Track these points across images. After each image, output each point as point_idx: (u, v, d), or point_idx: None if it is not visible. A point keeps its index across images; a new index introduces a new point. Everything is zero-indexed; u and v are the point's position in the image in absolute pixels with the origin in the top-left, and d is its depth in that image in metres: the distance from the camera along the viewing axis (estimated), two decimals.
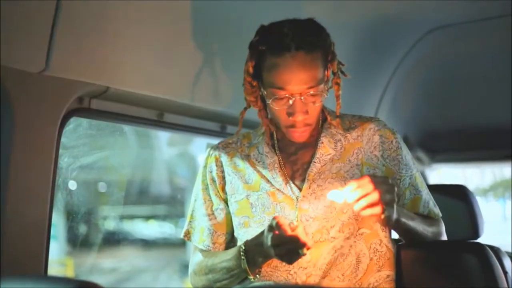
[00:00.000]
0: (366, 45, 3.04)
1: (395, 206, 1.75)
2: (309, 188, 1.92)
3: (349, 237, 1.91)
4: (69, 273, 5.60)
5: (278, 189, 1.94)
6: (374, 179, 1.73)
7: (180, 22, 2.23)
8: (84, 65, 2.00)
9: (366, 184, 1.72)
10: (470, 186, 2.57)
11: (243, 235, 1.97)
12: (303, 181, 1.95)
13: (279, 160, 1.98)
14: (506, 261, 2.40)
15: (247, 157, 2.04)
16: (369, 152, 1.97)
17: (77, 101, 2.09)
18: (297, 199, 1.92)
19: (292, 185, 1.94)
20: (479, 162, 4.11)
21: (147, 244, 7.24)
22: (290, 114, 1.86)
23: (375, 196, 1.71)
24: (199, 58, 2.38)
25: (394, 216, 1.77)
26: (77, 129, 2.64)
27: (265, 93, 1.88)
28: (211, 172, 2.06)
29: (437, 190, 2.62)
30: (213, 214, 2.05)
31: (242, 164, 2.03)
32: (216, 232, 2.05)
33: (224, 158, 2.06)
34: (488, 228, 2.59)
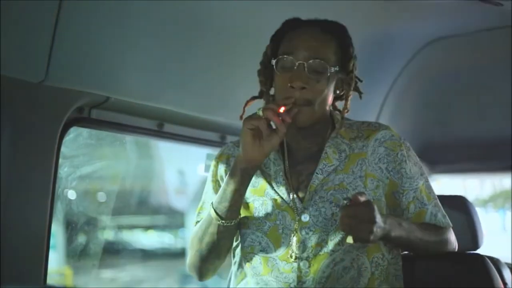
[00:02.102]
0: (365, 57, 3.03)
1: (374, 228, 1.70)
2: (311, 199, 1.88)
3: (351, 250, 1.86)
4: (68, 283, 5.59)
5: (281, 197, 1.90)
6: (349, 210, 1.70)
7: (181, 30, 2.24)
8: (84, 75, 2.00)
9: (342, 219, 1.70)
10: (470, 197, 2.57)
11: (242, 237, 1.95)
12: (306, 191, 1.91)
13: (284, 168, 1.94)
14: (506, 272, 2.40)
15: None
16: (374, 163, 1.92)
17: (77, 111, 2.10)
18: (298, 210, 1.88)
19: (295, 195, 1.90)
20: (479, 173, 4.10)
21: (146, 254, 7.24)
22: (291, 81, 1.81)
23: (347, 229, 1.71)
24: (199, 68, 2.38)
25: (378, 235, 1.74)
26: (77, 139, 2.64)
27: (275, 67, 1.86)
28: (220, 169, 2.02)
29: None
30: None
31: None
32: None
33: (235, 158, 1.96)
34: (488, 239, 2.59)
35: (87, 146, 2.81)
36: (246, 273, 1.96)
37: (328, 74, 1.84)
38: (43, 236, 1.96)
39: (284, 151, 1.96)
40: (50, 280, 2.03)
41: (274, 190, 1.92)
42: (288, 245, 1.86)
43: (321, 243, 1.86)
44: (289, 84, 1.81)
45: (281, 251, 1.87)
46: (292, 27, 1.90)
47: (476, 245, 2.48)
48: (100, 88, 2.08)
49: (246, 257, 1.94)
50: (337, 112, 2.00)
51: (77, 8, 1.85)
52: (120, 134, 2.81)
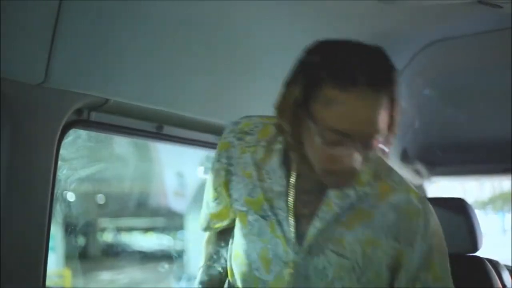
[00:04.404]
0: None
1: None
2: (308, 249, 1.66)
3: None
4: (67, 284, 5.59)
5: (279, 222, 1.68)
6: None
7: (180, 32, 2.24)
8: (84, 77, 2.00)
9: None
10: (469, 199, 2.57)
11: (239, 245, 1.79)
12: (305, 230, 1.67)
13: (287, 192, 1.68)
14: (505, 274, 2.40)
15: (258, 164, 1.72)
16: (380, 230, 1.63)
17: (76, 113, 2.09)
18: (292, 248, 1.66)
19: (292, 231, 1.66)
20: (478, 175, 4.10)
21: (145, 256, 7.24)
22: (339, 160, 1.49)
23: None
24: (199, 70, 2.38)
25: None
26: (76, 141, 2.64)
27: (314, 128, 1.48)
28: (219, 161, 1.79)
29: (436, 203, 2.62)
30: (209, 203, 1.88)
31: (251, 169, 1.73)
32: (212, 220, 1.91)
33: (236, 151, 1.76)
34: (487, 241, 2.59)
35: (86, 148, 2.81)
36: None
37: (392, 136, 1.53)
38: (42, 238, 1.95)
39: (290, 170, 1.69)
40: (49, 282, 2.03)
41: (272, 211, 1.69)
42: (279, 275, 1.68)
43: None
44: (335, 163, 1.50)
45: (271, 277, 1.70)
46: (336, 77, 1.44)
47: (475, 248, 2.48)
48: (100, 90, 2.08)
49: (239, 268, 1.79)
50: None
51: (77, 10, 1.85)
52: (119, 136, 2.81)
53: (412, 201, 1.65)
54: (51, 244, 2.00)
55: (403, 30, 2.92)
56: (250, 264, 1.74)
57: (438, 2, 2.55)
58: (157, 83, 2.26)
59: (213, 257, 1.96)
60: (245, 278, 1.77)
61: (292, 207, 1.67)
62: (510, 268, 2.61)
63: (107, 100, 2.13)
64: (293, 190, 1.67)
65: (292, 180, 1.67)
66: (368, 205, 1.64)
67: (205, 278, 1.94)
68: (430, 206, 1.69)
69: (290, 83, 1.53)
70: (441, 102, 3.58)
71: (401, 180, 1.69)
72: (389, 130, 1.50)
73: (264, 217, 1.70)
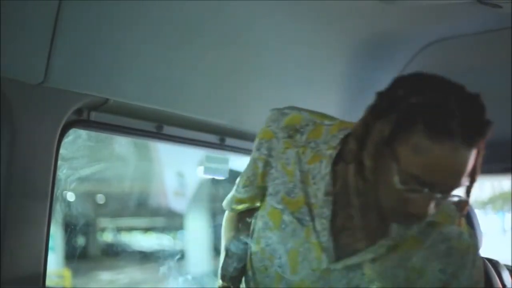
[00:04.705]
0: (364, 60, 3.04)
1: None
2: (349, 264, 1.60)
3: None
4: (67, 284, 5.59)
5: (318, 231, 1.60)
6: None
7: (180, 32, 2.24)
8: (84, 77, 2.00)
9: None
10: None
11: (263, 235, 1.72)
12: (347, 245, 1.61)
13: (334, 202, 1.60)
14: (505, 274, 2.40)
15: (303, 165, 1.64)
16: (427, 259, 1.58)
17: (76, 113, 2.09)
18: (327, 257, 1.60)
19: (332, 241, 1.60)
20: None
21: (145, 256, 7.24)
22: (413, 204, 1.44)
23: None
24: (199, 70, 2.38)
25: None
26: (76, 141, 2.64)
27: (395, 169, 1.42)
28: (258, 150, 1.69)
29: None
30: (239, 187, 1.81)
31: (293, 167, 1.64)
32: (235, 202, 1.85)
33: (280, 144, 1.67)
34: (487, 241, 2.59)
35: (86, 148, 2.81)
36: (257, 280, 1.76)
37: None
38: (42, 238, 1.95)
39: (337, 178, 1.60)
40: (49, 282, 2.02)
41: (312, 217, 1.61)
42: (306, 279, 1.63)
43: None
44: (409, 206, 1.45)
45: (297, 278, 1.65)
46: (432, 127, 1.37)
47: None
48: (99, 90, 2.08)
49: (259, 261, 1.74)
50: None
51: (76, 10, 1.85)
52: (119, 136, 2.81)
53: (464, 235, 1.61)
54: (51, 244, 2.00)
55: (403, 30, 2.92)
56: (273, 260, 1.69)
57: (438, 2, 2.55)
58: (157, 83, 2.26)
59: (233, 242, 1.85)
60: (265, 272, 1.72)
61: (335, 213, 1.60)
62: (510, 268, 2.61)
63: (107, 100, 2.13)
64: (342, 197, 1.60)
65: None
66: (419, 233, 1.58)
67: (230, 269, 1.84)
68: (478, 241, 1.66)
69: (378, 117, 1.44)
70: None
71: (455, 213, 1.62)
72: (470, 179, 1.45)
73: (300, 221, 1.62)
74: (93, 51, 1.99)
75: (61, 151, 2.04)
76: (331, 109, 1.92)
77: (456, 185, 1.42)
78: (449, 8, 2.60)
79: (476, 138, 1.39)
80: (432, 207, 1.44)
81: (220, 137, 2.78)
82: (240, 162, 3.22)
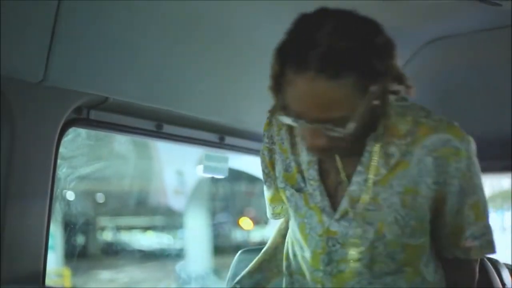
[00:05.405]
0: None
1: None
2: (344, 211, 1.60)
3: (382, 276, 1.61)
4: (67, 284, 5.59)
5: (311, 194, 1.63)
6: None
7: (180, 31, 2.24)
8: (83, 75, 2.00)
9: None
10: None
11: (292, 223, 1.73)
12: (339, 196, 1.62)
13: (319, 160, 1.63)
14: (505, 273, 2.40)
15: (293, 137, 1.68)
16: (418, 176, 1.56)
17: (75, 112, 2.09)
18: (326, 213, 1.62)
19: (326, 198, 1.62)
20: None
21: (145, 255, 7.25)
22: (306, 138, 1.51)
23: None
24: (198, 69, 2.38)
25: None
26: (75, 139, 2.64)
27: (286, 108, 1.49)
28: (264, 142, 1.76)
29: None
30: (265, 188, 1.83)
31: (286, 144, 1.69)
32: (271, 205, 1.85)
33: (275, 128, 1.73)
34: None
35: (85, 146, 2.81)
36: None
37: (351, 118, 1.43)
38: (42, 237, 1.96)
39: None
40: (48, 281, 2.03)
41: (305, 182, 1.64)
42: (315, 249, 1.64)
43: (347, 261, 1.61)
44: (306, 140, 1.51)
45: (309, 253, 1.65)
46: (292, 60, 1.41)
47: None
48: (99, 88, 2.08)
49: (292, 251, 1.75)
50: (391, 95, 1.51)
51: (76, 9, 1.85)
52: (118, 134, 2.81)
53: (451, 141, 1.56)
54: (50, 243, 2.00)
55: (402, 28, 2.92)
56: (297, 243, 1.71)
57: (437, 0, 2.55)
58: (156, 82, 2.26)
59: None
60: (296, 260, 1.73)
61: (326, 172, 1.63)
62: (510, 267, 2.60)
63: (106, 98, 2.13)
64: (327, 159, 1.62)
65: None
66: (404, 154, 1.56)
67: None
68: (473, 145, 1.61)
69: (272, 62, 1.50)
70: (440, 100, 3.58)
71: (441, 119, 1.60)
72: (358, 111, 1.42)
73: (298, 190, 1.66)
74: (92, 50, 1.99)
75: (61, 149, 2.04)
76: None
77: (328, 115, 1.41)
78: (449, 6, 2.60)
79: (331, 67, 1.35)
80: (323, 141, 1.45)
81: (220, 136, 2.78)
82: (239, 161, 3.22)
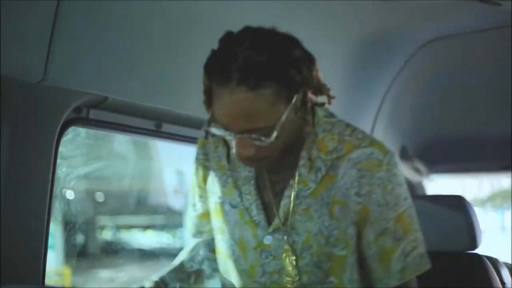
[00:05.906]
0: (363, 57, 3.04)
1: None
2: (277, 224, 1.66)
3: (311, 285, 1.65)
4: (67, 283, 5.59)
5: (247, 208, 1.70)
6: None
7: (180, 32, 2.24)
8: (83, 75, 2.00)
9: None
10: (468, 197, 2.57)
11: (219, 242, 1.78)
12: (274, 209, 1.68)
13: (256, 175, 1.71)
14: (504, 272, 2.40)
15: (230, 154, 1.74)
16: (344, 188, 1.62)
17: (75, 111, 2.10)
18: (262, 230, 1.68)
19: (262, 213, 1.68)
20: (477, 172, 4.10)
21: (144, 254, 7.23)
22: (236, 150, 1.55)
23: None
24: (198, 68, 2.38)
25: None
26: (75, 139, 2.64)
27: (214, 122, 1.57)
28: (197, 158, 1.85)
29: (435, 200, 2.63)
30: (196, 204, 1.89)
31: (224, 161, 1.77)
32: (201, 221, 1.90)
33: (211, 146, 1.81)
34: (486, 239, 2.59)
35: (85, 146, 2.81)
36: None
37: (277, 128, 1.50)
38: (42, 236, 1.96)
39: None
40: (48, 280, 2.03)
41: (241, 197, 1.71)
42: (252, 262, 1.70)
43: (280, 271, 1.67)
44: (237, 152, 1.55)
45: (248, 266, 1.71)
46: (215, 75, 1.51)
47: (475, 245, 2.49)
48: (98, 88, 2.08)
49: (223, 265, 1.80)
50: (319, 107, 1.68)
51: (75, 8, 1.85)
52: (118, 134, 2.80)
53: (374, 154, 1.63)
54: (50, 242, 2.00)
55: (402, 28, 2.92)
56: (230, 257, 1.75)
57: (437, 0, 2.55)
58: (156, 81, 2.26)
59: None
60: (230, 273, 1.78)
61: (262, 186, 1.70)
62: (510, 266, 2.61)
63: (106, 98, 2.13)
64: (262, 174, 1.70)
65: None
66: (333, 168, 1.64)
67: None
68: (394, 157, 1.67)
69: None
70: (440, 100, 3.58)
71: (364, 136, 1.67)
72: (281, 121, 1.50)
73: (234, 206, 1.72)
74: (91, 50, 1.99)
75: (60, 149, 2.05)
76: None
77: (252, 125, 1.48)
78: (449, 6, 2.60)
79: (250, 78, 1.43)
80: (251, 152, 1.52)
81: None
82: None
